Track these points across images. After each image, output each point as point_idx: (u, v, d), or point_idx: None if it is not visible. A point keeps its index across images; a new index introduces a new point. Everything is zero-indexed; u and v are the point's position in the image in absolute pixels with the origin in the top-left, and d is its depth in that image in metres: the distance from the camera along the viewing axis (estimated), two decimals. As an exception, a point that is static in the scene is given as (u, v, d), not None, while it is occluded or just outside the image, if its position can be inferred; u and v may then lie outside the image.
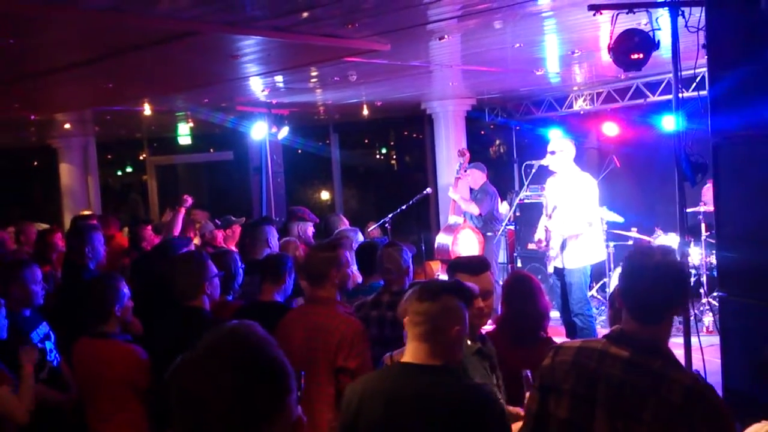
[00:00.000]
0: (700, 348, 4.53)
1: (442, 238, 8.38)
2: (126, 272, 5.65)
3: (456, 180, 8.75)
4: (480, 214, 8.67)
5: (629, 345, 2.34)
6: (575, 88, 10.24)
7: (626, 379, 2.29)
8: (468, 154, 8.87)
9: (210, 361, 1.32)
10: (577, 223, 6.63)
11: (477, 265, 3.20)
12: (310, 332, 3.51)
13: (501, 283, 5.04)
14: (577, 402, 2.38)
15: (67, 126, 11.31)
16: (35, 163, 15.71)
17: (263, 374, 1.33)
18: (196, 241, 7.34)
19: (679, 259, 2.44)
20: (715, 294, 7.52)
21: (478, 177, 8.89)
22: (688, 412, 2.19)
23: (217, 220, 7.82)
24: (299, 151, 13.78)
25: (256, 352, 1.35)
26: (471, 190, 8.96)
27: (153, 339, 3.79)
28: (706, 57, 4.18)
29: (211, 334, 1.37)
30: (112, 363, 3.63)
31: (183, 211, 6.97)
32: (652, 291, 2.33)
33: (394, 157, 16.72)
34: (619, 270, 8.39)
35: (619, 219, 8.59)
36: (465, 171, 8.68)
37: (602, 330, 7.03)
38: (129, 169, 16.96)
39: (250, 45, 5.76)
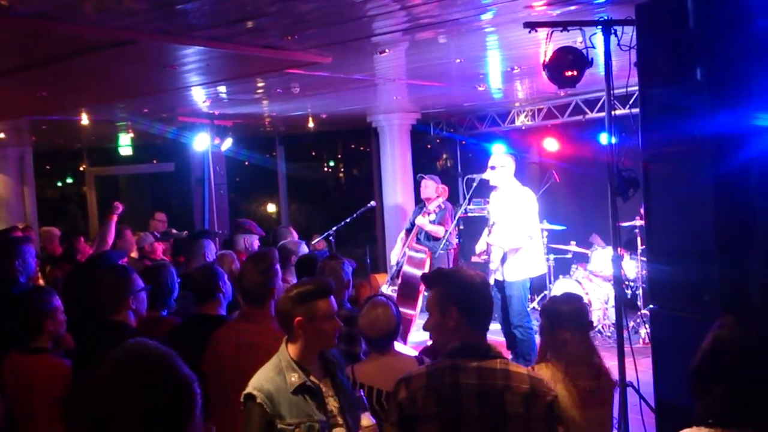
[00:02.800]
0: (633, 359, 4.62)
1: (412, 270, 7.97)
2: (59, 285, 5.50)
3: (424, 214, 8.31)
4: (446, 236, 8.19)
5: (474, 354, 2.58)
6: (517, 104, 10.42)
7: (483, 385, 2.51)
8: (443, 193, 8.36)
9: (113, 378, 1.28)
10: (516, 236, 6.72)
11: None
12: (242, 350, 3.44)
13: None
14: (445, 422, 2.52)
15: (1, 135, 10.97)
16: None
17: (167, 387, 1.30)
18: (134, 254, 7.18)
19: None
20: (650, 306, 7.73)
21: (433, 189, 8.41)
22: (535, 395, 2.51)
23: (156, 233, 7.67)
24: (246, 163, 13.64)
25: (157, 365, 1.31)
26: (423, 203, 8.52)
27: (76, 354, 3.69)
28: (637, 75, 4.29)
29: (112, 353, 1.33)
30: (42, 378, 3.55)
31: (114, 218, 6.81)
32: (486, 305, 2.70)
33: (342, 169, 16.69)
34: (559, 282, 8.53)
35: (561, 227, 8.73)
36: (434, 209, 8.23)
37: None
38: (69, 180, 16.52)
39: (188, 55, 5.66)
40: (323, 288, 2.97)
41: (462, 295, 2.64)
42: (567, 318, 3.37)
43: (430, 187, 8.31)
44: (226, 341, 3.55)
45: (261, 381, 2.86)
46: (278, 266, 3.75)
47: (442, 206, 8.34)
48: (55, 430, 3.50)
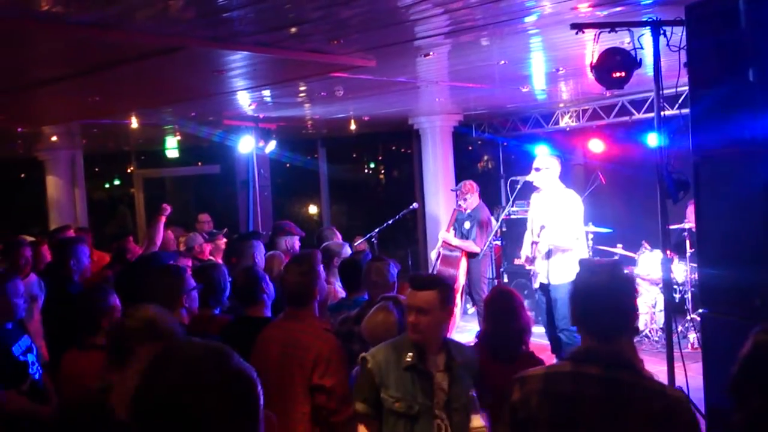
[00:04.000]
0: (683, 364, 4.55)
1: (446, 270, 8.01)
2: (109, 284, 5.62)
3: (453, 212, 8.34)
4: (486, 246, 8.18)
5: (596, 362, 2.31)
6: (561, 105, 10.33)
7: (604, 396, 2.27)
8: (473, 190, 8.29)
9: (185, 377, 1.30)
10: (563, 238, 6.65)
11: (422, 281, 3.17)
12: (287, 348, 3.48)
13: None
14: (557, 430, 2.34)
15: (54, 138, 11.28)
16: (22, 176, 15.63)
17: (237, 383, 1.33)
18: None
19: (624, 271, 2.47)
20: (699, 311, 7.58)
21: (473, 200, 8.30)
22: (667, 417, 2.20)
23: (204, 234, 7.80)
24: (287, 165, 13.78)
25: (224, 362, 1.34)
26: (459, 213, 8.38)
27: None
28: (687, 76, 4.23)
29: (172, 352, 1.37)
30: (99, 375, 3.61)
31: (163, 219, 6.93)
32: (603, 312, 2.32)
33: (382, 171, 16.74)
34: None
35: (607, 230, 8.63)
36: (463, 201, 8.23)
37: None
38: (116, 182, 16.88)
39: (235, 60, 5.76)
40: (412, 277, 3.19)
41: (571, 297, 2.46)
42: None
43: (461, 194, 8.29)
44: (271, 340, 3.60)
45: (377, 350, 3.11)
46: (320, 268, 3.79)
47: (477, 206, 8.29)
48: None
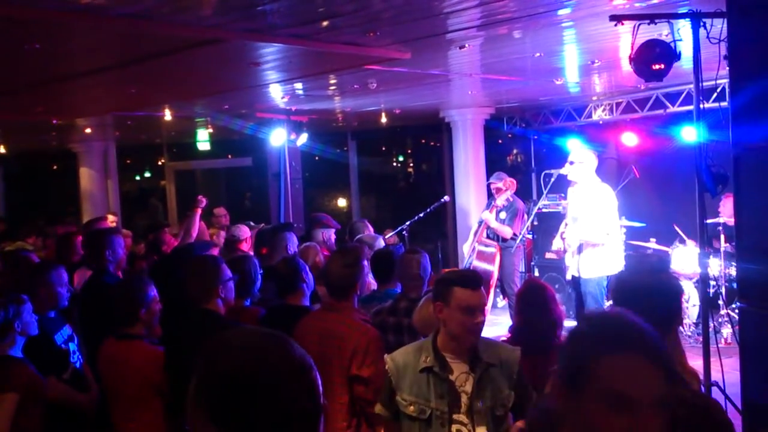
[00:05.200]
0: (719, 359, 4.51)
1: (482, 265, 8.02)
2: (145, 275, 5.70)
3: (492, 208, 8.33)
4: (514, 236, 8.24)
5: None
6: (594, 98, 10.23)
7: None
8: (511, 186, 8.29)
9: (245, 364, 1.31)
10: (596, 232, 6.62)
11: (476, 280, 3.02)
12: (325, 339, 3.49)
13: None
14: None
15: (88, 130, 11.44)
16: (55, 167, 15.88)
17: (298, 369, 1.35)
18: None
19: (670, 270, 2.40)
20: (733, 306, 7.49)
21: (500, 184, 8.38)
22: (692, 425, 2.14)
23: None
24: (316, 158, 13.85)
25: (283, 348, 1.36)
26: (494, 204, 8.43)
27: (168, 341, 3.83)
28: (727, 68, 4.17)
29: (228, 339, 1.38)
30: (137, 365, 3.69)
31: (198, 212, 6.97)
32: (648, 311, 2.20)
33: (411, 165, 16.75)
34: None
35: (640, 224, 8.56)
36: (503, 203, 8.24)
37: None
38: (147, 174, 17.09)
39: (271, 52, 5.80)
40: (464, 277, 2.98)
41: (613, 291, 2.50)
42: None
43: (494, 185, 8.35)
44: (310, 330, 3.62)
45: (398, 352, 3.01)
46: (365, 262, 3.81)
47: (511, 199, 8.29)
48: (148, 415, 3.67)
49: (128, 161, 15.78)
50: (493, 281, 7.99)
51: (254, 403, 1.28)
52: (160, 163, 15.45)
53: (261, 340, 1.36)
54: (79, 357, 4.13)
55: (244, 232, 6.63)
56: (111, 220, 8.75)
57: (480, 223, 8.55)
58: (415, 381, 2.90)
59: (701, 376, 4.18)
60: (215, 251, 6.43)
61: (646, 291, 2.32)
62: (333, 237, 6.75)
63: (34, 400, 3.42)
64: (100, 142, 12.96)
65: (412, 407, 2.90)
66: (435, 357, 2.91)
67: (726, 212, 7.88)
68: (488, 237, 8.36)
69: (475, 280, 2.96)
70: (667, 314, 2.32)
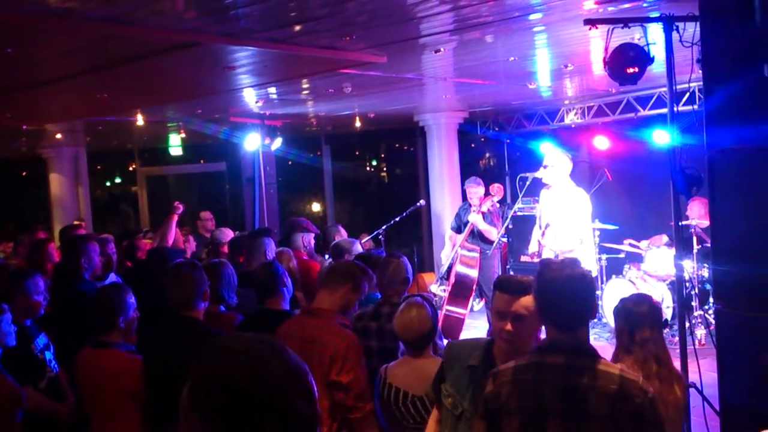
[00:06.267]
0: (696, 361, 4.56)
1: (465, 270, 8.06)
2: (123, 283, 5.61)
3: (479, 213, 8.25)
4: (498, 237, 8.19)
5: (561, 352, 2.51)
6: (567, 102, 10.33)
7: (567, 383, 2.45)
8: (498, 192, 8.26)
9: (244, 369, 1.29)
10: (569, 239, 6.68)
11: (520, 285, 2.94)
12: (306, 344, 3.46)
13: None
14: (527, 417, 2.50)
15: (58, 136, 11.26)
16: (24, 174, 15.62)
17: (293, 375, 1.33)
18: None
19: (585, 269, 2.64)
20: (707, 307, 7.58)
21: (481, 193, 8.31)
22: (623, 397, 2.39)
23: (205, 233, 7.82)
24: (290, 163, 13.79)
25: (280, 354, 1.34)
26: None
27: (148, 348, 3.77)
28: (700, 71, 4.23)
29: (225, 344, 1.36)
30: (115, 373, 3.64)
31: (175, 218, 6.93)
32: (564, 304, 2.52)
33: (385, 169, 16.76)
34: (611, 282, 8.41)
35: (613, 227, 8.64)
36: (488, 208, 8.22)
37: (599, 343, 7.03)
38: (118, 180, 16.88)
39: (246, 56, 5.76)
40: (506, 282, 2.98)
41: (537, 292, 2.63)
42: (646, 318, 3.45)
43: (476, 193, 8.27)
44: (291, 335, 3.59)
45: (461, 342, 3.16)
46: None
47: (497, 205, 8.31)
48: (127, 424, 3.61)
49: (99, 167, 15.58)
50: (476, 285, 8.03)
51: (254, 409, 1.27)
52: (131, 168, 15.26)
53: (258, 346, 1.35)
54: (55, 366, 4.06)
55: (227, 235, 6.58)
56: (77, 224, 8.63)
57: (457, 228, 8.54)
58: (459, 375, 2.96)
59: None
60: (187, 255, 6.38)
61: (559, 286, 2.53)
62: (312, 241, 6.72)
63: (12, 411, 3.35)
64: (71, 147, 12.77)
65: (449, 399, 2.97)
66: (484, 357, 2.94)
67: (693, 214, 8.01)
68: (472, 240, 8.37)
69: (516, 287, 2.91)
70: (579, 306, 2.55)
